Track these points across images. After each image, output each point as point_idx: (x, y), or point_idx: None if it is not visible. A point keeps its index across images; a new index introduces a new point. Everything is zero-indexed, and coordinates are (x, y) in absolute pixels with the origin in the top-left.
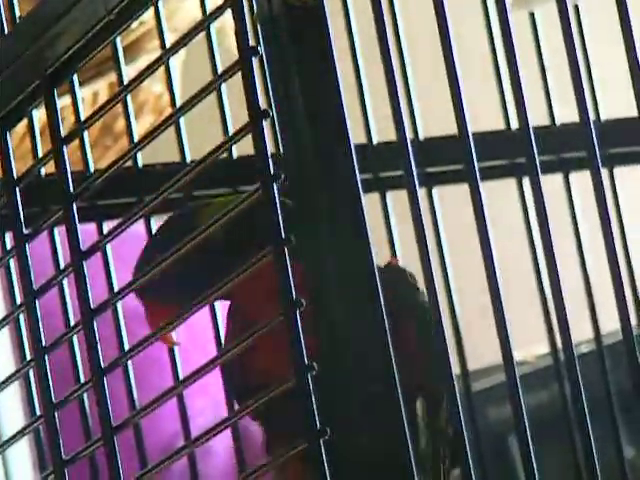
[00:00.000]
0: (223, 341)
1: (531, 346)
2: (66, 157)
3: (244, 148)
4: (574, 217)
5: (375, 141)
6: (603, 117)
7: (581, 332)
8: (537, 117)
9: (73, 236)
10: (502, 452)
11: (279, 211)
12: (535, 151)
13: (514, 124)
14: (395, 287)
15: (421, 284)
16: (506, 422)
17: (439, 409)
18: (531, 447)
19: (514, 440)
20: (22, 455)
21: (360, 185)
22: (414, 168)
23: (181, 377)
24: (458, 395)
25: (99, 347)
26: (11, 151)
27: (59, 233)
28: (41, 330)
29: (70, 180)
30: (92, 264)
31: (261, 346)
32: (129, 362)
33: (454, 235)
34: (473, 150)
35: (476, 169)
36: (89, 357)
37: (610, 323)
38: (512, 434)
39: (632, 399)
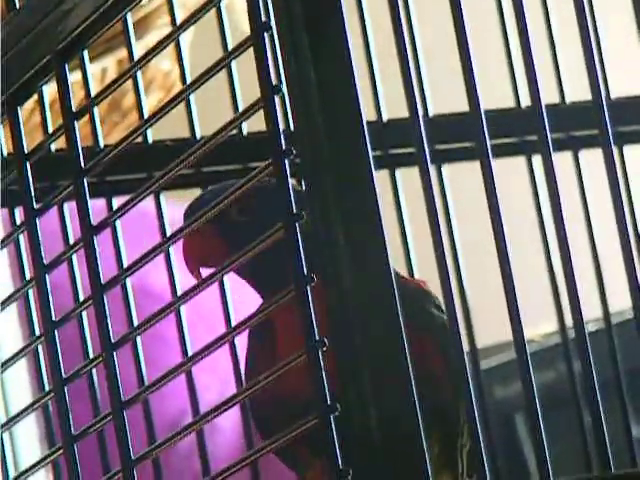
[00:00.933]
0: (244, 360)
1: (538, 324)
2: (77, 132)
3: (254, 126)
4: (583, 195)
5: (385, 118)
6: (614, 95)
7: (589, 310)
8: (547, 95)
9: (83, 211)
10: (509, 430)
11: (290, 187)
12: (547, 129)
13: (524, 102)
14: (420, 309)
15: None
16: (512, 401)
17: (458, 427)
18: (541, 427)
19: (521, 418)
20: (29, 431)
21: (372, 162)
22: (426, 145)
23: (189, 354)
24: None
25: (109, 322)
26: (22, 126)
27: (68, 210)
28: (51, 305)
29: (81, 155)
30: (100, 243)
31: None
32: (138, 338)
33: (463, 212)
34: (485, 127)
35: (488, 146)
36: (99, 332)
37: (618, 302)
38: (519, 412)
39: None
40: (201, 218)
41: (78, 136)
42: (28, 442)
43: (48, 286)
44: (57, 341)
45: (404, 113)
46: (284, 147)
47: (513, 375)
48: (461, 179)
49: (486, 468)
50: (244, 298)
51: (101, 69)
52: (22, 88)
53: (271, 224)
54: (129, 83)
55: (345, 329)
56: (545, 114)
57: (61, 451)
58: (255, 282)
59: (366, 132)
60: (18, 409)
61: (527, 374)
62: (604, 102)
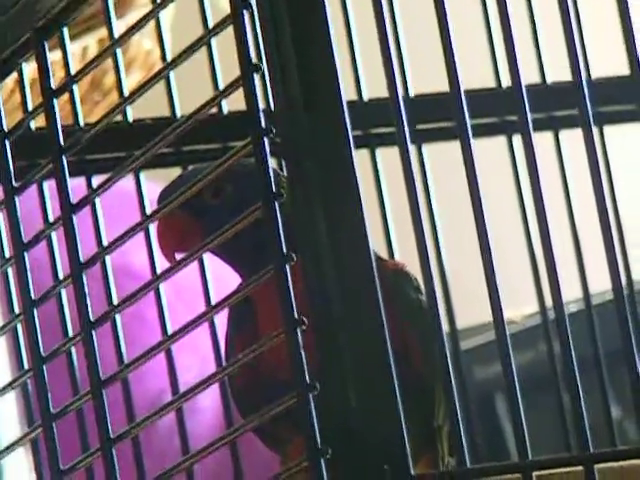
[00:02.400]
0: (224, 341)
1: (518, 306)
2: (56, 110)
3: (234, 105)
4: (564, 175)
5: (366, 97)
6: (594, 75)
7: (569, 291)
8: (527, 75)
9: (63, 189)
10: (489, 411)
11: (269, 166)
12: (527, 109)
13: (505, 82)
14: (401, 290)
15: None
16: (492, 381)
17: (434, 407)
18: (520, 407)
19: (501, 399)
20: (8, 410)
21: (352, 141)
22: (406, 125)
23: (168, 332)
24: (448, 353)
25: (88, 301)
26: (1, 104)
27: (47, 189)
28: (30, 284)
29: (60, 133)
30: (79, 222)
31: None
32: (117, 317)
33: (443, 192)
34: (465, 107)
35: (468, 126)
36: (78, 310)
37: (598, 283)
38: (499, 393)
39: (619, 359)
40: (179, 198)
41: (58, 114)
42: (7, 421)
43: (27, 264)
44: (36, 319)
45: (385, 93)
46: (263, 126)
47: (493, 356)
48: (441, 159)
49: (465, 448)
50: (224, 279)
51: (82, 48)
52: (2, 65)
53: (245, 207)
54: (110, 62)
55: (324, 308)
56: (526, 94)
57: (40, 429)
58: (235, 262)
59: (346, 111)
60: None
61: (506, 355)
62: (584, 82)
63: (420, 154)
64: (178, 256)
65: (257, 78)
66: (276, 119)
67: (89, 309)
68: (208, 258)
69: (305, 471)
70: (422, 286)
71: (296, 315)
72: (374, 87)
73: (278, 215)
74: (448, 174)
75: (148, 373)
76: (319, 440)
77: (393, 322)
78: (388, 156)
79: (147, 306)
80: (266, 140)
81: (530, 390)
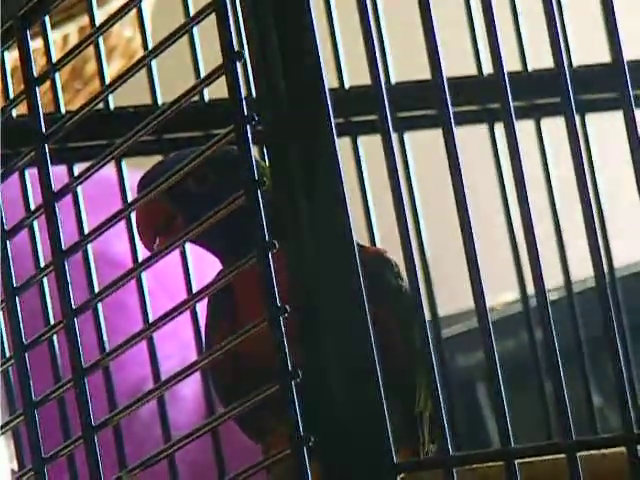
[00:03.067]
0: (203, 327)
1: (499, 293)
2: (38, 97)
3: (216, 93)
4: (545, 163)
5: (347, 85)
6: (575, 63)
7: (551, 279)
8: (509, 62)
9: (45, 177)
10: (470, 398)
11: (252, 153)
12: (509, 97)
13: (486, 69)
14: (381, 276)
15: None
16: (473, 369)
17: (415, 394)
18: (503, 395)
19: (482, 386)
20: None
21: (334, 128)
22: (388, 112)
23: (150, 320)
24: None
25: (70, 289)
26: None
27: (29, 177)
28: (12, 272)
29: (42, 121)
30: (61, 211)
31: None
32: (99, 305)
33: (425, 180)
34: (447, 95)
35: (450, 114)
36: (60, 298)
37: (579, 270)
38: (480, 381)
39: (599, 347)
40: (160, 185)
41: (40, 102)
42: None
43: (9, 253)
44: (18, 308)
45: (366, 80)
46: (246, 113)
47: (475, 343)
48: (423, 147)
49: (447, 436)
50: (205, 267)
51: (62, 36)
52: None
53: (229, 195)
54: (91, 50)
55: (306, 296)
56: (508, 82)
57: (22, 418)
58: (216, 250)
59: (329, 99)
60: None
61: (489, 342)
62: (566, 70)
63: (402, 142)
64: (158, 244)
65: (239, 66)
66: (259, 107)
67: (71, 297)
68: (190, 246)
69: (285, 461)
70: (403, 273)
71: (278, 303)
72: (354, 75)
73: (260, 202)
74: (429, 162)
75: (129, 361)
76: (302, 428)
77: (374, 308)
78: (369, 144)
79: (128, 294)
80: (249, 128)
81: (511, 378)
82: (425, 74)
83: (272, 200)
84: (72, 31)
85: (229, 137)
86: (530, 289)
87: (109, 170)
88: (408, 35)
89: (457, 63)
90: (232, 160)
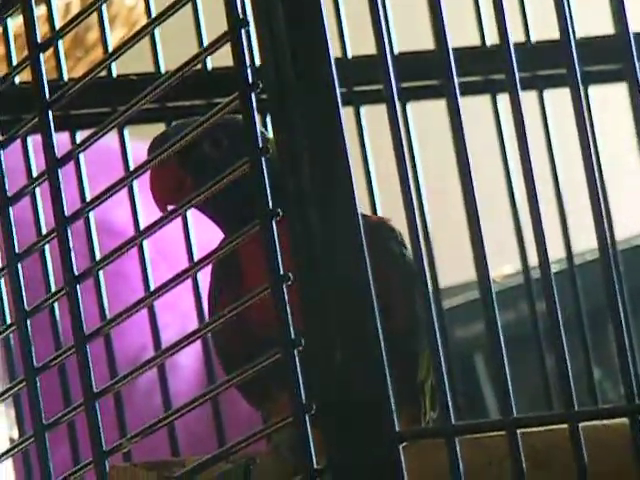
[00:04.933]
0: (208, 298)
1: (498, 266)
2: (42, 64)
3: (218, 62)
4: (547, 134)
5: (349, 55)
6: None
7: (551, 251)
8: (513, 33)
9: (48, 143)
10: (468, 369)
11: (256, 121)
12: (515, 67)
13: (489, 40)
14: (385, 245)
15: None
16: (471, 341)
17: (416, 363)
18: (506, 365)
19: (480, 358)
20: None
21: (339, 97)
22: (393, 82)
23: (151, 288)
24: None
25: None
26: None
27: (31, 144)
28: (14, 238)
29: (46, 87)
30: (62, 180)
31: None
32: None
33: (425, 151)
34: (453, 65)
35: (455, 85)
36: (62, 265)
37: (580, 243)
38: (478, 352)
39: (598, 320)
40: (167, 151)
41: (43, 68)
42: None
43: (12, 219)
44: (20, 275)
45: (367, 50)
46: (250, 80)
47: (473, 315)
48: (424, 117)
49: (449, 405)
50: (207, 239)
51: (65, 4)
52: None
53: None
54: (93, 19)
55: (309, 263)
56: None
57: (23, 384)
58: (220, 219)
59: (334, 67)
60: None
61: (492, 313)
62: (572, 42)
63: (404, 112)
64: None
65: (242, 35)
66: (263, 74)
67: (73, 263)
68: (192, 217)
69: (286, 428)
70: (406, 241)
71: (282, 270)
72: (356, 44)
73: (264, 170)
74: (430, 132)
75: (128, 330)
76: (304, 396)
77: (376, 276)
78: (370, 114)
79: (127, 262)
80: (253, 95)
81: (510, 350)
82: (423, 44)
83: (276, 170)
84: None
85: (233, 104)
86: (531, 261)
87: (109, 139)
88: (408, 5)
89: (459, 33)
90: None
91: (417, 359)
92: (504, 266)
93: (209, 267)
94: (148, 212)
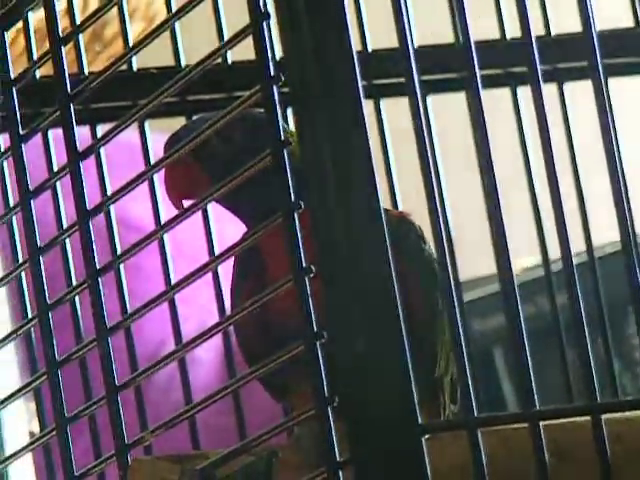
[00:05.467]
0: (229, 289)
1: (517, 259)
2: (64, 57)
3: (238, 55)
4: (567, 127)
5: (370, 48)
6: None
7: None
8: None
9: (70, 137)
10: (486, 363)
11: (278, 113)
12: (537, 59)
13: (510, 33)
14: (404, 239)
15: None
16: (490, 334)
17: (434, 357)
18: (528, 357)
19: (499, 351)
20: (8, 360)
21: (361, 90)
22: (416, 75)
23: (171, 282)
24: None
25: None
26: (8, 52)
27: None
28: (36, 231)
29: (67, 81)
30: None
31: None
32: (121, 267)
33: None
34: (475, 59)
35: (478, 77)
36: (84, 258)
37: (598, 236)
38: (496, 346)
39: (618, 314)
40: (185, 146)
41: (65, 62)
42: (7, 372)
43: (34, 212)
44: (42, 268)
45: (386, 44)
46: (272, 73)
47: (491, 309)
48: (442, 110)
49: (472, 398)
50: (225, 234)
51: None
52: (8, 14)
53: (254, 155)
54: (111, 13)
55: (332, 255)
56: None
57: (44, 377)
58: (240, 212)
59: (355, 60)
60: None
61: (514, 306)
62: (594, 34)
63: (425, 105)
64: (186, 204)
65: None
66: (285, 67)
67: (95, 256)
68: (211, 210)
69: (308, 421)
70: (425, 235)
71: (304, 262)
72: (375, 38)
73: (287, 162)
74: (449, 125)
75: (145, 325)
76: (326, 388)
77: (396, 270)
78: (392, 105)
79: (144, 256)
80: (275, 88)
81: (529, 344)
82: (435, 39)
83: (296, 163)
84: None
85: (255, 97)
86: (551, 254)
87: (130, 133)
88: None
89: (479, 26)
90: (258, 121)
91: (435, 353)
92: (523, 259)
93: (230, 261)
94: (167, 205)
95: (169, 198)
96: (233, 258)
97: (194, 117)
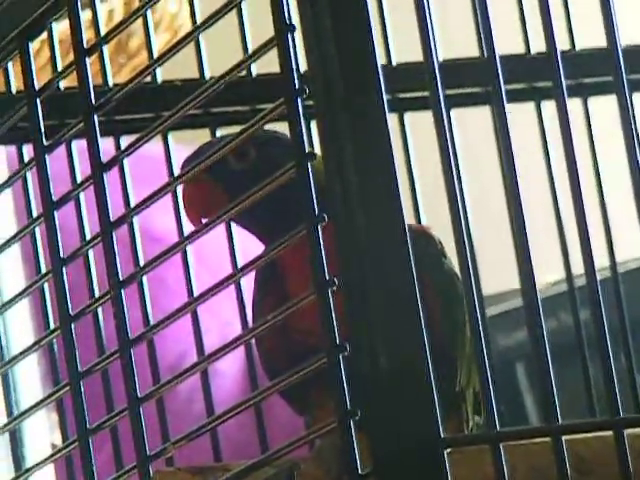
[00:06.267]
0: (251, 303)
1: (539, 274)
2: (88, 68)
3: (262, 68)
4: (592, 142)
5: (394, 62)
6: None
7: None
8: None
9: (93, 148)
10: (508, 378)
11: (302, 126)
12: (562, 74)
13: (534, 48)
14: (423, 254)
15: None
16: (513, 349)
17: (455, 371)
18: (551, 372)
19: (521, 366)
20: (30, 374)
21: (385, 103)
22: (440, 90)
23: (194, 294)
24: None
25: (117, 260)
26: (33, 63)
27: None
28: (59, 242)
29: (92, 91)
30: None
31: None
32: (144, 278)
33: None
34: (500, 73)
35: (502, 92)
36: (107, 269)
37: (621, 252)
38: (519, 361)
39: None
40: (205, 161)
41: (90, 72)
42: (28, 383)
43: (57, 223)
44: (65, 279)
45: (410, 57)
46: (297, 86)
47: (514, 324)
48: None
49: (495, 412)
50: (248, 246)
51: (108, 11)
52: (33, 25)
53: (269, 172)
54: (135, 25)
55: (355, 269)
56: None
57: (67, 388)
58: (256, 229)
59: (380, 73)
60: (21, 348)
61: (537, 321)
62: (619, 49)
63: (449, 119)
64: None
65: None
66: (309, 80)
67: (118, 267)
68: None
69: (329, 434)
70: (445, 250)
71: (327, 275)
72: (398, 52)
73: (310, 175)
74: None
75: (167, 337)
76: (348, 401)
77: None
78: (415, 120)
79: (167, 269)
80: (299, 101)
81: (552, 359)
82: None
83: (317, 177)
84: (118, 5)
85: (279, 110)
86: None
87: (155, 147)
88: (450, 13)
89: (503, 41)
90: (272, 138)
91: (455, 367)
92: (545, 275)
93: (252, 274)
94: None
95: (187, 217)
96: (254, 273)
97: (217, 130)
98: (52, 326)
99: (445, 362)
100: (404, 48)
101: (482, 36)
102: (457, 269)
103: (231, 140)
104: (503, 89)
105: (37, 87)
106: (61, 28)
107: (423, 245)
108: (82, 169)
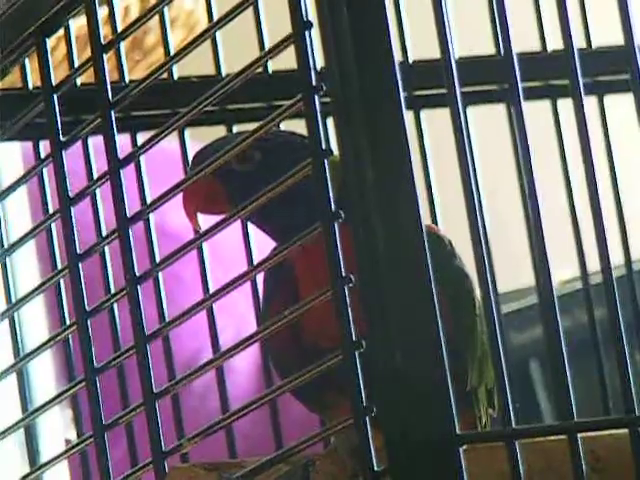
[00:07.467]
0: (261, 300)
1: (556, 271)
2: (105, 64)
3: (278, 65)
4: (607, 139)
5: (411, 59)
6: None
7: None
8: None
9: (111, 144)
10: (523, 375)
11: (319, 123)
12: (578, 72)
13: (550, 45)
14: (433, 253)
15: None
16: (526, 347)
17: (465, 370)
18: (567, 369)
19: (534, 364)
20: (44, 370)
21: (403, 101)
22: (457, 87)
23: (210, 290)
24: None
25: (134, 256)
26: (50, 60)
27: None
28: (76, 237)
29: (109, 88)
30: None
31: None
32: (160, 275)
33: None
34: (517, 71)
35: (520, 90)
36: (124, 265)
37: (636, 250)
38: (532, 358)
39: None
40: (231, 151)
41: (107, 69)
42: (42, 379)
43: (73, 219)
44: (81, 274)
45: (426, 55)
46: (314, 83)
47: (527, 322)
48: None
49: (510, 409)
50: (264, 245)
51: (124, 7)
52: (50, 21)
53: (273, 175)
54: (151, 22)
55: (371, 266)
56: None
57: (82, 384)
58: (270, 227)
59: (397, 70)
60: (36, 344)
61: (553, 318)
62: (636, 47)
63: (465, 117)
64: (200, 217)
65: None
66: (326, 77)
67: (134, 264)
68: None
69: (344, 431)
70: (455, 249)
71: (343, 273)
72: (416, 49)
73: (327, 172)
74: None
75: (182, 334)
76: (364, 398)
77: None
78: (431, 117)
79: (183, 266)
80: (316, 97)
81: (567, 356)
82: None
83: (333, 175)
84: (134, 2)
85: (296, 107)
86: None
87: (171, 144)
88: (467, 10)
89: (518, 38)
90: (277, 141)
91: (465, 365)
92: (562, 272)
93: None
94: (203, 215)
95: (184, 210)
96: (263, 275)
97: (233, 127)
98: (68, 322)
99: (456, 361)
100: (421, 45)
101: (499, 34)
102: (467, 269)
103: (247, 137)
104: (520, 87)
105: (54, 83)
106: (77, 24)
107: (433, 245)
108: (97, 166)
